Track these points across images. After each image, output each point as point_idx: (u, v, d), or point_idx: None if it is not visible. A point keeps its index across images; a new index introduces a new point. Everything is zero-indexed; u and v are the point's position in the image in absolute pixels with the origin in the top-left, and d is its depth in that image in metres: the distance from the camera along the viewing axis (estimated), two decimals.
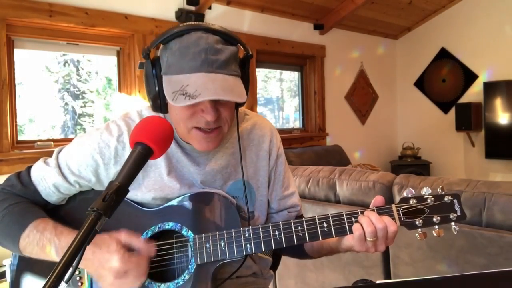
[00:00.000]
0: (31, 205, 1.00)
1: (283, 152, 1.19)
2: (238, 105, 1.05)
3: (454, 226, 0.94)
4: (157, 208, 1.01)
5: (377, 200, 0.97)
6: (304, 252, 1.14)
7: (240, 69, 0.98)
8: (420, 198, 0.96)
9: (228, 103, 0.96)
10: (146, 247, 0.91)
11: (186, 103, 0.87)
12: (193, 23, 0.95)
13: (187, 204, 1.00)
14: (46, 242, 0.92)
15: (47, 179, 1.00)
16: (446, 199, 0.95)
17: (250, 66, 1.04)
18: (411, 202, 0.95)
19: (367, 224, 0.91)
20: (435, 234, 0.94)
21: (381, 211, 0.94)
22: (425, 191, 0.96)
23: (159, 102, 0.98)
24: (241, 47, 1.01)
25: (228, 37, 0.97)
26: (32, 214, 0.97)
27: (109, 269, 0.86)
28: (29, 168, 1.04)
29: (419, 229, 0.94)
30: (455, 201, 0.96)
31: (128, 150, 1.01)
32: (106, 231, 0.99)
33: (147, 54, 0.96)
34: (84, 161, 1.00)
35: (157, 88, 0.96)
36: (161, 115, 1.06)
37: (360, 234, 0.91)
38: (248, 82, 1.02)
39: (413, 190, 0.96)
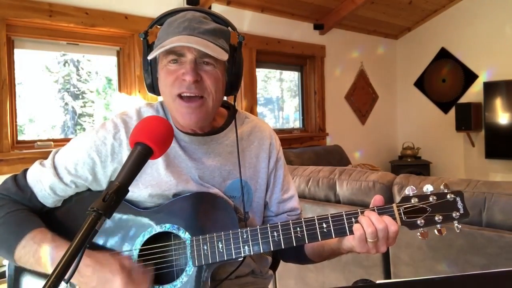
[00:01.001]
0: (28, 213, 0.99)
1: (282, 156, 1.18)
2: (230, 92, 1.06)
3: (456, 225, 0.92)
4: (154, 209, 1.00)
5: (376, 199, 0.95)
6: (306, 257, 1.13)
7: (231, 53, 1.01)
8: (422, 197, 0.93)
9: (212, 72, 0.97)
10: (144, 278, 0.90)
11: (157, 51, 0.92)
12: (187, 6, 1.00)
13: (184, 204, 0.99)
14: (43, 254, 0.91)
15: (43, 181, 1.00)
16: (448, 197, 0.93)
17: (242, 53, 1.06)
18: (412, 201, 0.93)
19: (367, 224, 0.89)
20: (437, 233, 0.92)
21: (382, 210, 0.92)
22: (427, 188, 0.94)
23: (151, 81, 1.03)
24: (234, 38, 1.03)
25: (217, 18, 1.02)
26: (29, 224, 0.96)
27: None
28: (25, 171, 1.04)
29: (421, 229, 0.92)
30: (458, 199, 0.93)
31: (125, 147, 1.01)
32: (103, 234, 0.99)
33: (143, 33, 1.03)
34: (81, 160, 1.00)
35: (150, 69, 1.02)
36: (160, 113, 1.08)
37: (361, 234, 0.89)
38: (240, 68, 1.05)
39: (415, 188, 0.94)
